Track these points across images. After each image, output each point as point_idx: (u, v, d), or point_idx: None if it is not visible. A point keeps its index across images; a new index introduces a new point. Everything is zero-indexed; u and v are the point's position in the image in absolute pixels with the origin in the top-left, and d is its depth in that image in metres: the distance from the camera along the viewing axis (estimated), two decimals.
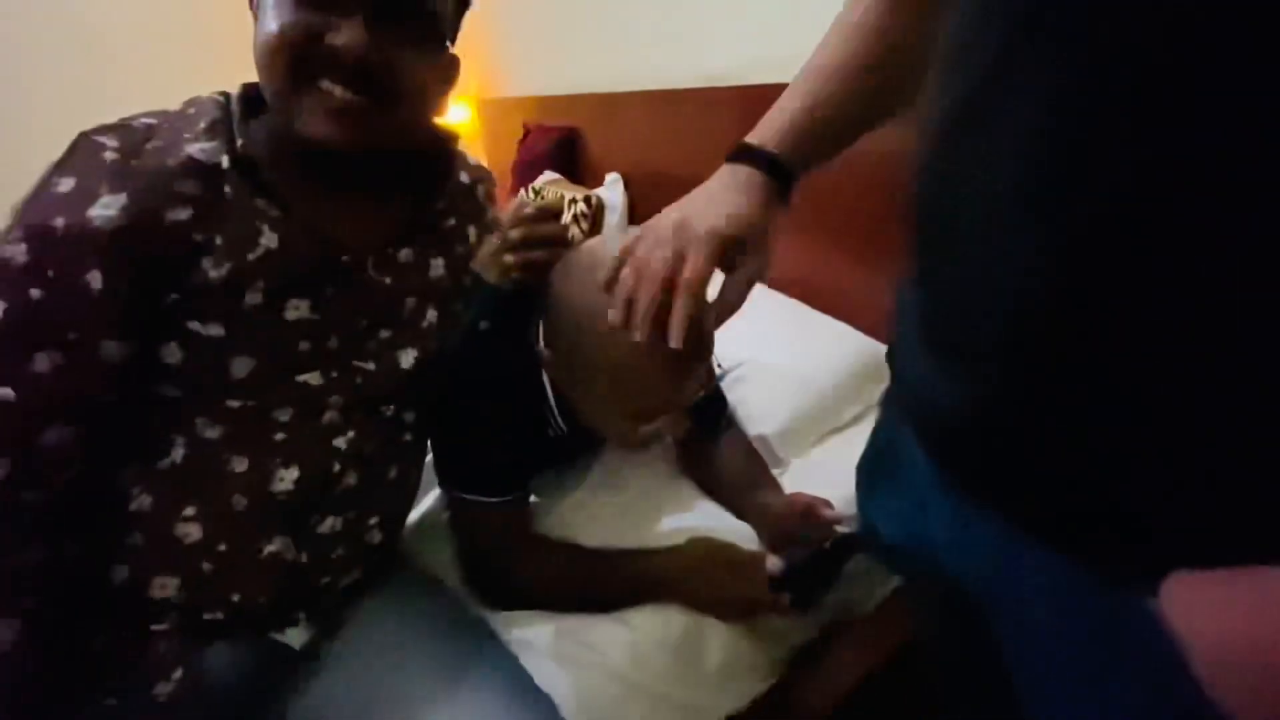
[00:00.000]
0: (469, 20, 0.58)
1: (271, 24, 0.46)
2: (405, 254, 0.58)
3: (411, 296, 0.58)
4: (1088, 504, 0.28)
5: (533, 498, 0.73)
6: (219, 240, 0.46)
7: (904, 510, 0.43)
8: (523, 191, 1.58)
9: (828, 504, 0.60)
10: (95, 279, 0.42)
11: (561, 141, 1.67)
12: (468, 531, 0.67)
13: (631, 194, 1.50)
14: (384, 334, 0.56)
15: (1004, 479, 0.31)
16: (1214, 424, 0.24)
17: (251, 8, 0.49)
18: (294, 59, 0.47)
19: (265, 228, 0.48)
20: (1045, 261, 0.26)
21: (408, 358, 0.58)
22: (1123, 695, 0.30)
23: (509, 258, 0.60)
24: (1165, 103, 0.22)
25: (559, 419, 0.65)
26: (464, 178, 0.66)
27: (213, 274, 0.46)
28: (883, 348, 0.95)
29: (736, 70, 1.19)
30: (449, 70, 0.56)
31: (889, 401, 0.48)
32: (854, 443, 0.86)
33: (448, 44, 0.54)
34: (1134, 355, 0.24)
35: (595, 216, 1.37)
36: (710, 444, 0.78)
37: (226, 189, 0.47)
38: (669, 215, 0.44)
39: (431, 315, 0.61)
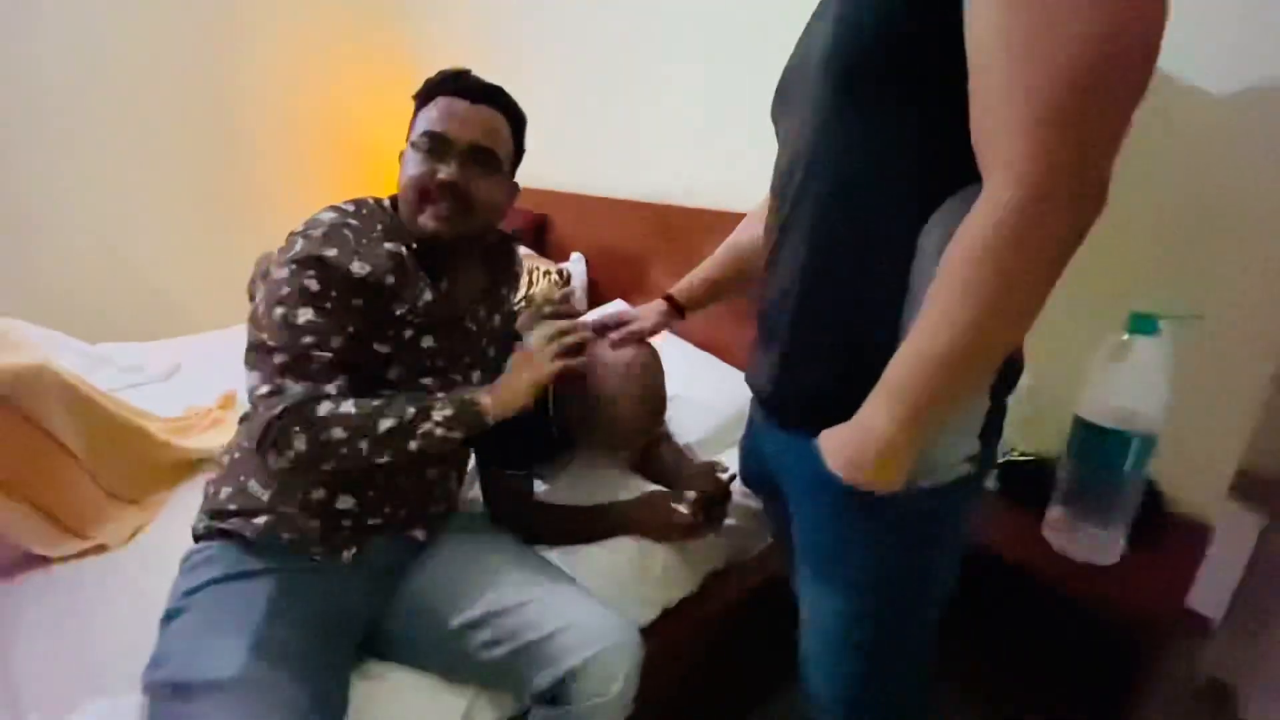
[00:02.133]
0: None
1: (411, 170, 0.82)
2: (483, 312, 0.95)
3: (484, 338, 0.96)
4: (816, 418, 0.63)
5: (537, 483, 1.10)
6: (403, 293, 0.81)
7: (750, 446, 0.85)
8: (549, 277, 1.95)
9: (723, 466, 1.02)
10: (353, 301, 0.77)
11: (533, 225, 2.10)
12: (494, 493, 1.03)
13: (590, 269, 1.93)
14: (467, 359, 0.93)
15: (788, 413, 0.70)
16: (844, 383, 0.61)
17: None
18: (422, 188, 0.82)
19: (425, 288, 0.84)
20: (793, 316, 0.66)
21: (476, 375, 0.95)
22: (820, 487, 0.62)
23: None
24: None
25: (555, 427, 1.04)
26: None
27: (397, 312, 0.81)
28: None
29: (674, 194, 1.67)
30: (509, 191, 0.93)
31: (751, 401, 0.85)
32: None
33: (507, 176, 0.91)
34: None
35: (566, 284, 1.79)
36: (654, 448, 1.18)
37: (407, 265, 0.82)
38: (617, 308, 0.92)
39: (491, 351, 0.98)
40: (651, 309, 0.96)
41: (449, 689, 0.80)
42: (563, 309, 0.99)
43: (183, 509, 1.10)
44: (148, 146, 2.33)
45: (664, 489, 1.08)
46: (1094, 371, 0.82)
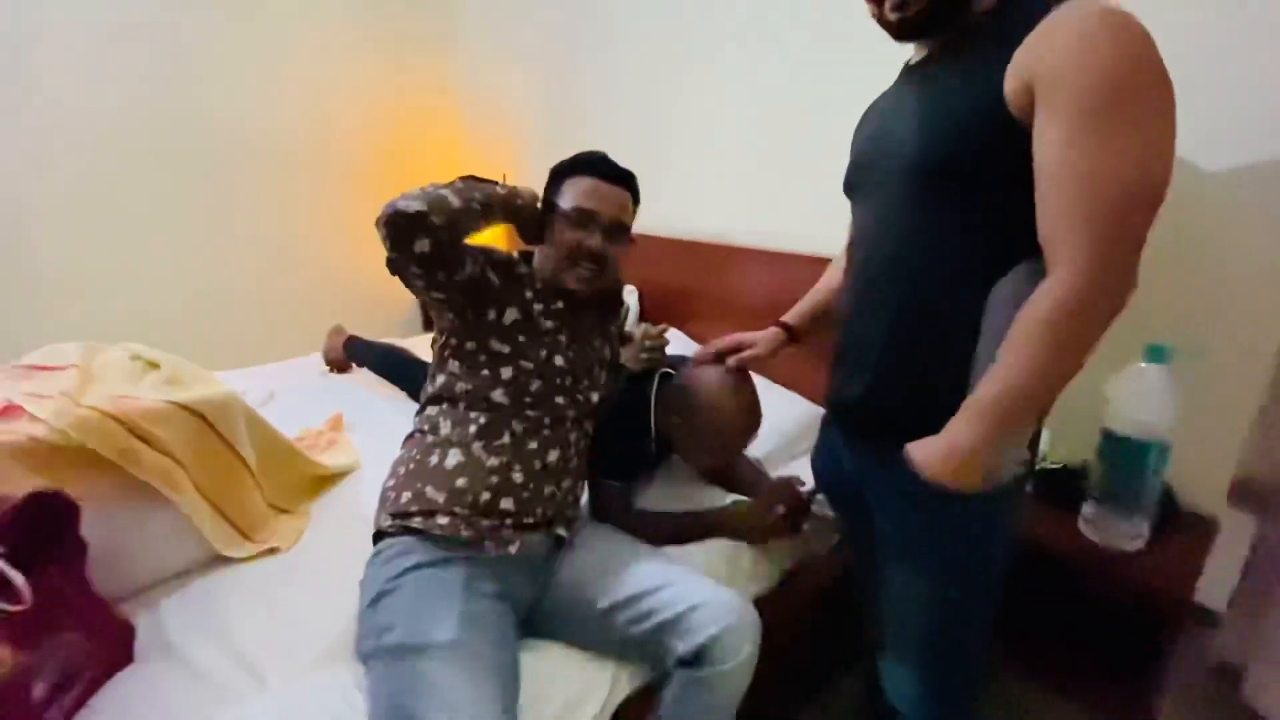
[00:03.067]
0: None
1: (561, 235, 1.03)
2: (598, 343, 1.14)
3: (597, 364, 1.14)
4: (898, 435, 0.78)
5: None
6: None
7: (830, 462, 1.00)
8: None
9: (802, 481, 1.19)
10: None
11: None
12: (600, 500, 1.20)
13: (643, 301, 2.13)
14: (585, 383, 1.11)
15: (873, 431, 0.87)
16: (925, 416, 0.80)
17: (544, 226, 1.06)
18: (572, 253, 1.04)
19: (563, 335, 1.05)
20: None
21: (595, 396, 1.13)
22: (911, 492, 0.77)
23: (644, 355, 1.18)
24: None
25: (653, 446, 1.21)
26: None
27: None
28: (815, 407, 1.61)
29: (719, 233, 1.88)
30: (631, 246, 1.12)
31: (824, 422, 1.05)
32: (804, 463, 1.48)
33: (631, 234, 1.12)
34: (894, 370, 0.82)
35: (624, 315, 1.99)
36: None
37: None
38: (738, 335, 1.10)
39: (601, 376, 1.16)
40: (767, 336, 1.11)
41: (596, 661, 0.96)
42: (660, 342, 1.18)
43: (327, 517, 1.27)
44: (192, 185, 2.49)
45: (749, 499, 1.25)
46: (1117, 392, 1.01)
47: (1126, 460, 1.00)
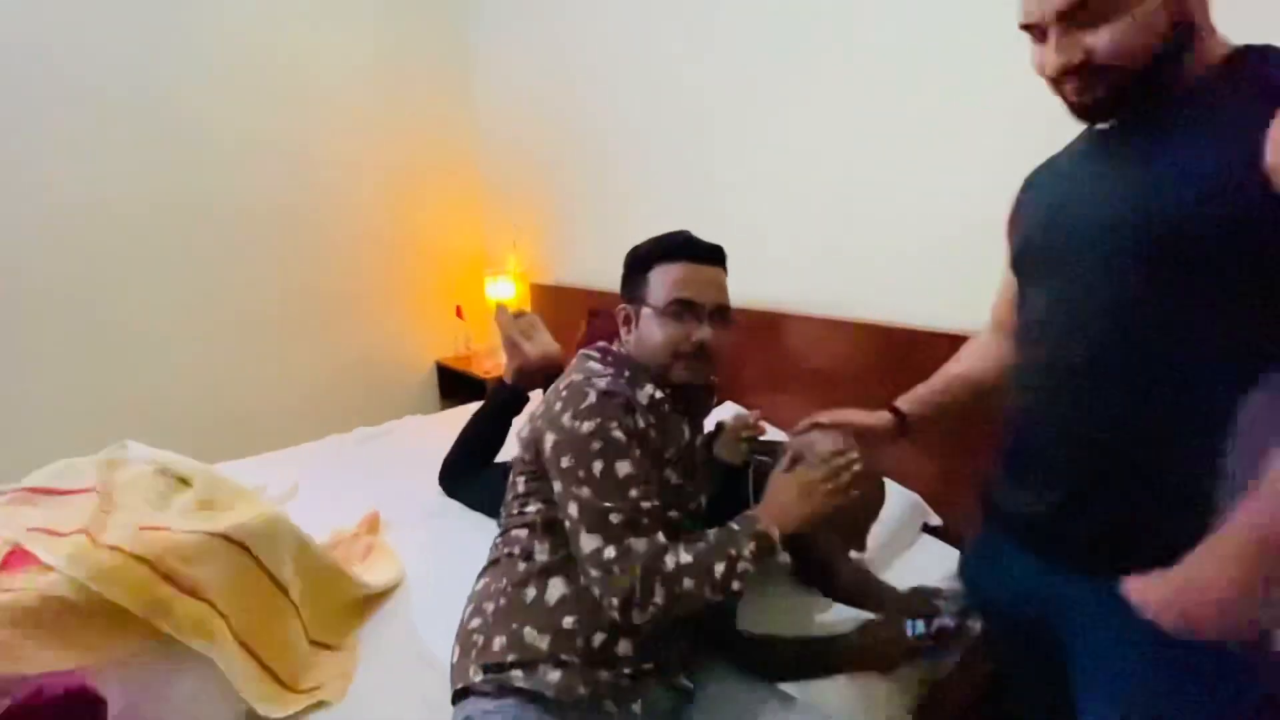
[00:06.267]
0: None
1: (667, 332, 0.89)
2: (697, 441, 0.99)
3: (698, 464, 0.98)
4: (1112, 558, 0.65)
5: None
6: (666, 436, 0.87)
7: (998, 576, 0.82)
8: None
9: (940, 591, 1.03)
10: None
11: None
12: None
13: None
14: (690, 489, 0.95)
15: (1071, 554, 0.72)
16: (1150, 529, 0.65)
17: (625, 321, 0.94)
18: (676, 350, 0.90)
19: (685, 428, 0.90)
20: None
21: (702, 500, 0.98)
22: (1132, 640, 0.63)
23: (743, 447, 1.04)
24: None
25: None
26: None
27: (666, 454, 0.86)
28: (913, 496, 1.42)
29: (777, 299, 1.76)
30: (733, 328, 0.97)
31: (984, 525, 0.87)
32: (913, 555, 1.32)
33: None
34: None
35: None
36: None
37: (666, 409, 0.89)
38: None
39: (703, 478, 1.00)
40: (878, 419, 0.92)
41: None
42: (757, 431, 1.04)
43: (375, 653, 1.08)
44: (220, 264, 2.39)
45: (872, 617, 1.07)
46: None
47: None
